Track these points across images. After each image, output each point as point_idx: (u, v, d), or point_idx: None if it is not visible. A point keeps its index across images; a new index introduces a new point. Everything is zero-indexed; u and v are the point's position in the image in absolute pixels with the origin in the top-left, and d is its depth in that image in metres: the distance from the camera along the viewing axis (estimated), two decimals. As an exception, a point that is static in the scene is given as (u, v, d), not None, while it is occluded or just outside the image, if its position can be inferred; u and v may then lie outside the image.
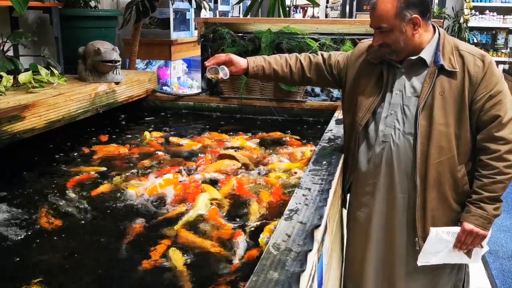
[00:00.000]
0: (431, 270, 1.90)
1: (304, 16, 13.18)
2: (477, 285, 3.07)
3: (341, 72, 2.03)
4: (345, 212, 2.17)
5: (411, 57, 1.80)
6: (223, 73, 2.00)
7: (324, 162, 1.92)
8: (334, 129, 2.45)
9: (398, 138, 1.83)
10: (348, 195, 2.10)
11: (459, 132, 1.75)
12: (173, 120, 3.25)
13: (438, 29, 1.82)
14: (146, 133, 2.79)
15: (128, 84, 3.11)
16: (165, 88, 4.53)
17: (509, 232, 3.84)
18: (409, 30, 1.73)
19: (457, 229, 1.77)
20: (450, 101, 1.74)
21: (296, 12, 12.90)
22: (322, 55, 2.07)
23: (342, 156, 2.04)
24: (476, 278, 3.12)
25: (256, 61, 2.03)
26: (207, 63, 2.00)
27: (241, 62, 2.02)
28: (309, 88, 3.33)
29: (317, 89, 3.38)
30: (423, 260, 1.82)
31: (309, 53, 2.16)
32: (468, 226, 1.74)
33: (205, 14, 4.45)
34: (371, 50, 1.92)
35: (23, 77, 2.50)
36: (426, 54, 1.78)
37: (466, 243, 1.76)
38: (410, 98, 1.81)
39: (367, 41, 1.98)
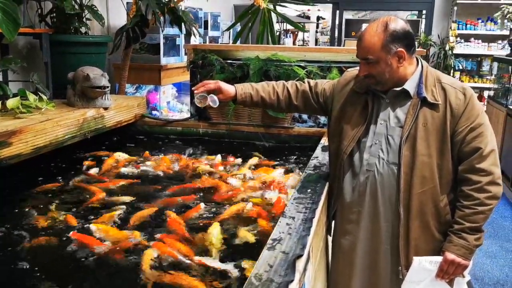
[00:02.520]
0: None
1: (294, 40, 13.33)
2: (463, 312, 3.07)
3: (327, 100, 2.07)
4: (330, 238, 2.19)
5: (395, 89, 1.84)
6: (212, 101, 2.04)
7: (309, 190, 1.94)
8: (320, 156, 2.48)
9: (382, 167, 1.86)
10: (333, 221, 2.12)
11: (441, 163, 1.79)
12: (160, 145, 3.27)
13: (421, 61, 1.88)
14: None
15: (117, 110, 3.13)
16: (154, 112, 4.56)
17: (495, 258, 3.86)
18: (394, 62, 1.78)
19: (439, 258, 1.79)
20: (432, 133, 1.78)
21: (287, 36, 13.07)
22: (308, 83, 2.11)
23: (327, 184, 2.07)
24: (462, 304, 3.12)
25: (244, 88, 2.07)
26: (195, 90, 2.03)
27: (230, 89, 2.05)
28: (296, 114, 3.37)
29: (305, 116, 3.43)
30: None
31: (296, 80, 2.20)
32: (450, 256, 1.76)
33: (195, 40, 4.50)
34: (357, 80, 1.96)
35: (11, 103, 2.51)
36: (410, 86, 1.83)
37: (448, 272, 1.78)
38: (394, 128, 1.85)
39: (354, 70, 2.02)
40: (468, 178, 1.75)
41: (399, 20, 1.78)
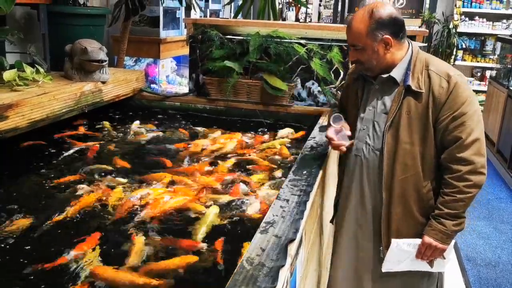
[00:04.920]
0: (402, 276, 1.95)
1: (297, 14, 13.14)
2: (454, 292, 3.13)
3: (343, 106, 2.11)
4: (326, 221, 2.21)
5: (382, 75, 1.84)
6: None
7: (305, 172, 1.95)
8: (317, 137, 2.47)
9: (368, 153, 1.90)
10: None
11: (423, 151, 1.80)
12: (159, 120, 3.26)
13: (412, 46, 1.85)
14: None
15: (115, 83, 3.11)
16: (153, 86, 4.53)
17: (488, 240, 3.91)
18: (381, 49, 1.78)
19: (418, 241, 1.83)
20: (415, 121, 1.79)
21: (289, 10, 12.89)
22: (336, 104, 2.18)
23: (323, 166, 2.07)
24: (453, 285, 3.18)
25: None
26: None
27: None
28: (295, 92, 3.35)
29: (304, 94, 3.40)
30: (386, 267, 1.89)
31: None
32: (427, 239, 1.80)
33: (195, 14, 4.44)
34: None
35: (7, 75, 2.49)
36: (397, 73, 1.82)
37: (426, 254, 1.83)
38: (380, 115, 1.87)
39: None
40: (449, 167, 1.77)
41: (386, 6, 1.76)
